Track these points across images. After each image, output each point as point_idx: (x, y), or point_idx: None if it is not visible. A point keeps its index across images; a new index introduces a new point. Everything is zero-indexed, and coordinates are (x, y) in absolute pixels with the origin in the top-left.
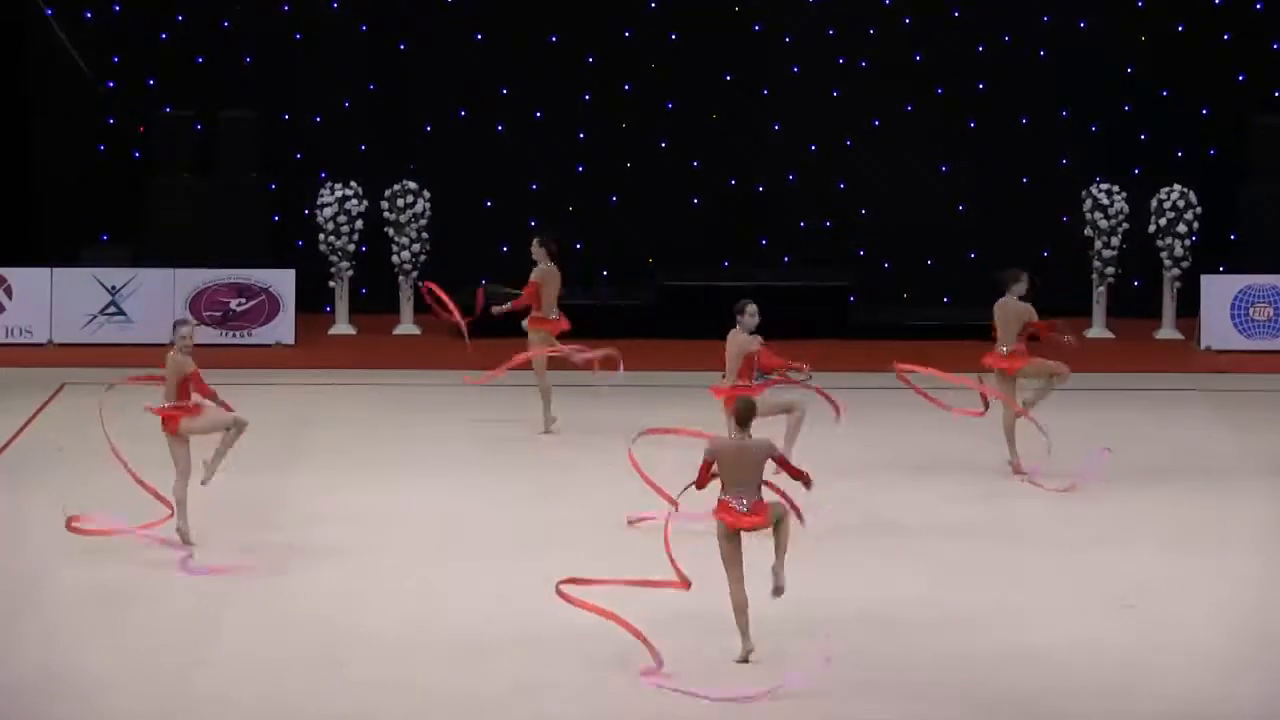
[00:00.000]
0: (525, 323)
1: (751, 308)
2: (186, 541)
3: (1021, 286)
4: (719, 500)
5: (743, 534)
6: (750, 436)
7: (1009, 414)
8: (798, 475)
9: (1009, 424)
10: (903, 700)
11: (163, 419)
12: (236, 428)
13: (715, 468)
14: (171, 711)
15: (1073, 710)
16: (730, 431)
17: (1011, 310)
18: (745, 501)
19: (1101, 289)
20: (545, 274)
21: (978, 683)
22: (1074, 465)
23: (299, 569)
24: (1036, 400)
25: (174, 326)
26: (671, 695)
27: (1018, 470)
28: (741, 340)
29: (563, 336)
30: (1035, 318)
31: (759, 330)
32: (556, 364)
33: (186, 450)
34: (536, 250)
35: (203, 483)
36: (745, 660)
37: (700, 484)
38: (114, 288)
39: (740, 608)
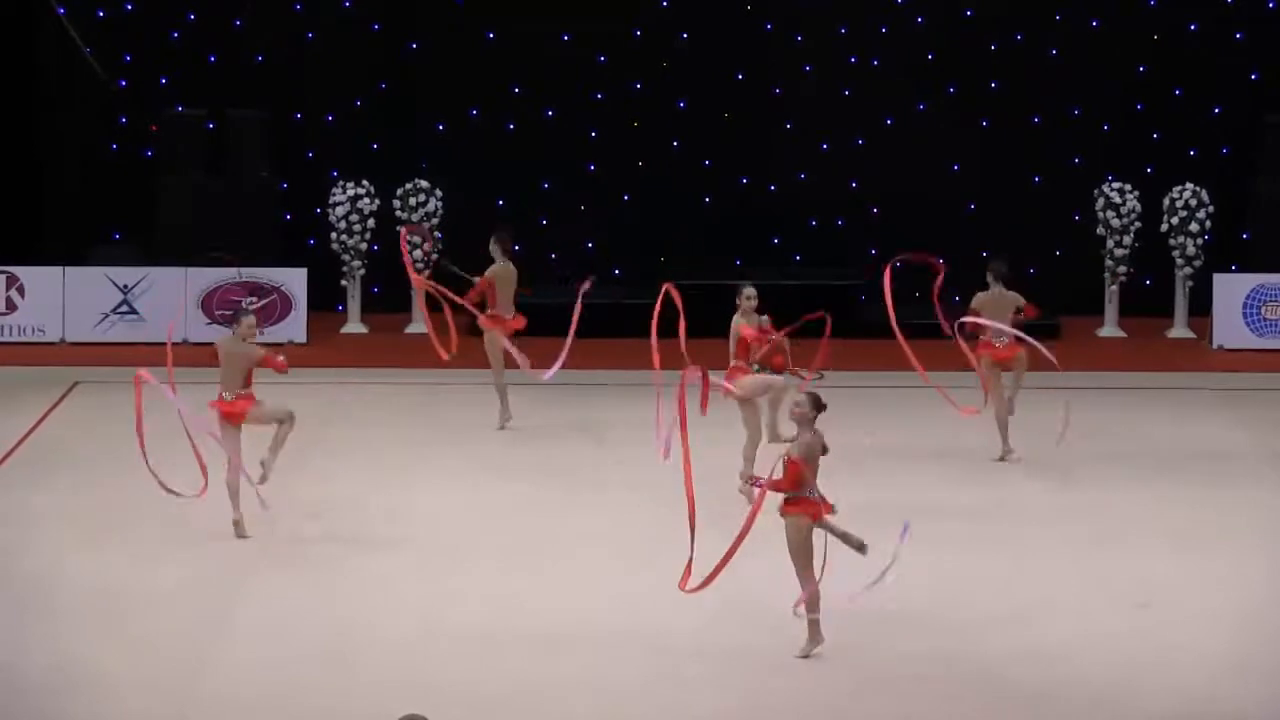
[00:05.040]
0: (480, 320)
1: (746, 291)
2: (240, 534)
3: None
4: (800, 497)
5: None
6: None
7: (1001, 405)
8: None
9: (1001, 415)
10: (907, 697)
11: (230, 410)
12: (289, 421)
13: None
14: (180, 710)
15: (1077, 707)
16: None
17: (1004, 300)
18: (819, 494)
19: (1114, 288)
20: (499, 271)
21: (982, 680)
22: (1075, 461)
23: (308, 567)
24: (1013, 394)
25: (237, 317)
26: (675, 691)
27: (1005, 458)
28: (735, 322)
29: (517, 335)
30: (1023, 302)
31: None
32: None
33: (239, 442)
34: (493, 247)
35: (260, 481)
36: (806, 656)
37: (795, 486)
38: (125, 286)
39: (816, 601)
